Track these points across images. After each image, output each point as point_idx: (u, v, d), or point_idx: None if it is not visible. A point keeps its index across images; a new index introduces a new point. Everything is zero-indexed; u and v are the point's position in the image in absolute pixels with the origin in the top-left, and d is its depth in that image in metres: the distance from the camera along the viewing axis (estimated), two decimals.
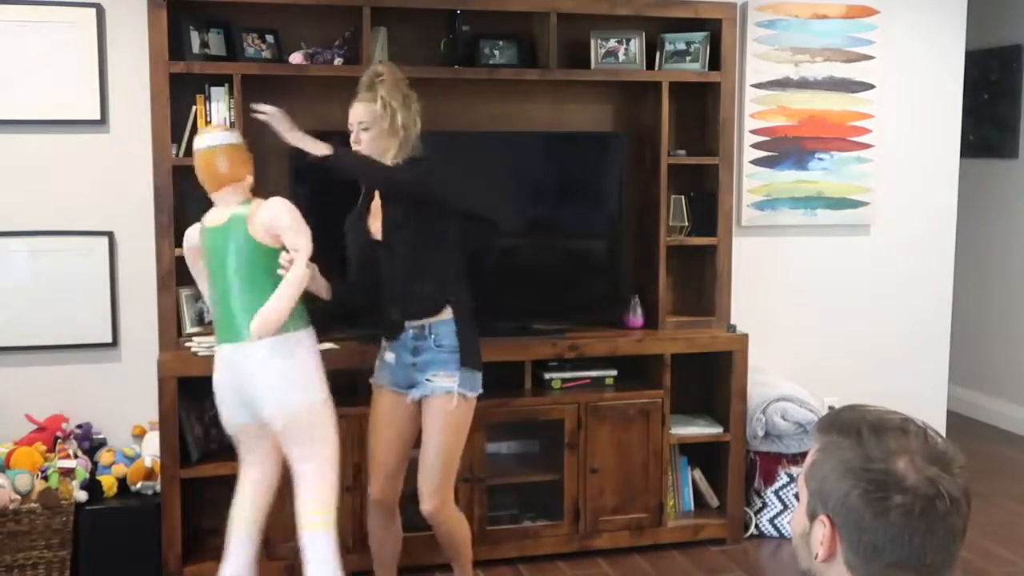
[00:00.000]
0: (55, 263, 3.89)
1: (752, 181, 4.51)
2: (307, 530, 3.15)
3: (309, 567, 3.13)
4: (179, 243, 3.80)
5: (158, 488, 3.75)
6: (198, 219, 3.86)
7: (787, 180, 4.55)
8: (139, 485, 3.79)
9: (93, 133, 3.90)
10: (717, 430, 4.17)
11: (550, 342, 4.00)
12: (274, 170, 3.99)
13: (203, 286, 3.35)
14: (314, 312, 3.30)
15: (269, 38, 3.91)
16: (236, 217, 3.15)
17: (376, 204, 3.32)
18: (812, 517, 1.35)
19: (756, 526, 4.28)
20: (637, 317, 4.26)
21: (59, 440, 3.76)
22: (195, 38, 3.79)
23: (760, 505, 4.30)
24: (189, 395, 3.75)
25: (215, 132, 3.27)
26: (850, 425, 1.34)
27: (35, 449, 3.69)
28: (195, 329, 3.89)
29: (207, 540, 3.95)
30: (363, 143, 3.23)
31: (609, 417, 3.99)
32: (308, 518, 3.15)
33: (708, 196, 4.29)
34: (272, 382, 3.10)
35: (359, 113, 3.24)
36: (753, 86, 4.48)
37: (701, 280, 4.37)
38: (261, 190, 3.97)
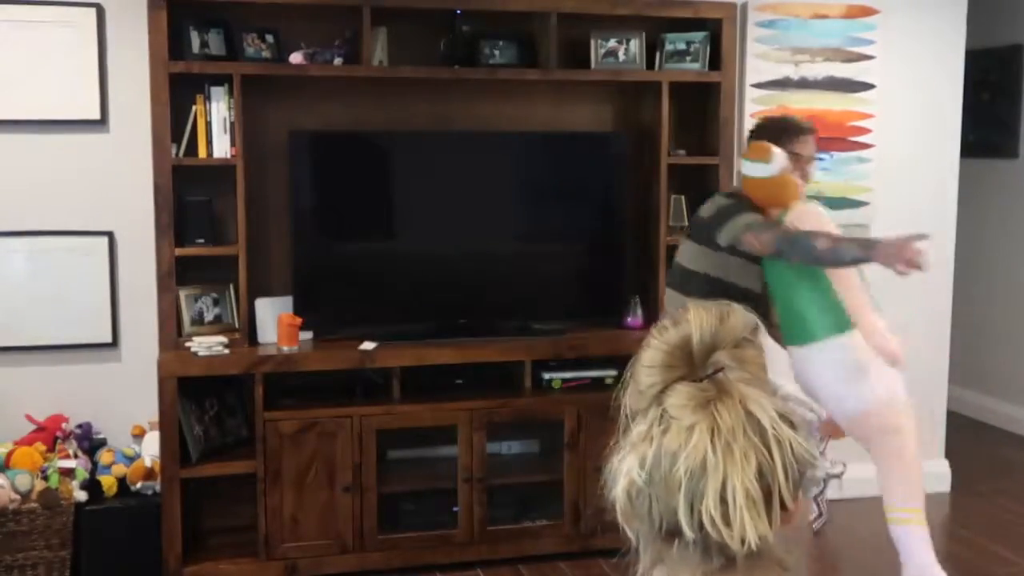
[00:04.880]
0: (55, 263, 3.89)
1: None
2: (891, 525, 3.23)
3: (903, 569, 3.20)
4: (179, 243, 3.81)
5: (158, 488, 3.75)
6: (199, 218, 3.87)
7: None
8: (139, 485, 3.79)
9: (93, 133, 3.90)
10: None
11: (550, 342, 4.00)
12: (274, 170, 4.00)
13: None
14: None
15: (269, 38, 3.91)
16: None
17: None
18: None
19: None
20: (637, 317, 4.26)
21: (59, 440, 3.76)
22: (195, 38, 3.79)
23: None
24: (189, 395, 3.75)
25: (760, 164, 3.35)
26: None
27: (35, 449, 3.69)
28: (195, 329, 3.90)
29: (207, 540, 3.96)
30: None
31: (609, 417, 3.98)
32: (889, 514, 3.23)
33: (708, 196, 4.27)
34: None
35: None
36: (753, 86, 4.47)
37: None
38: (260, 189, 3.99)
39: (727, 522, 1.02)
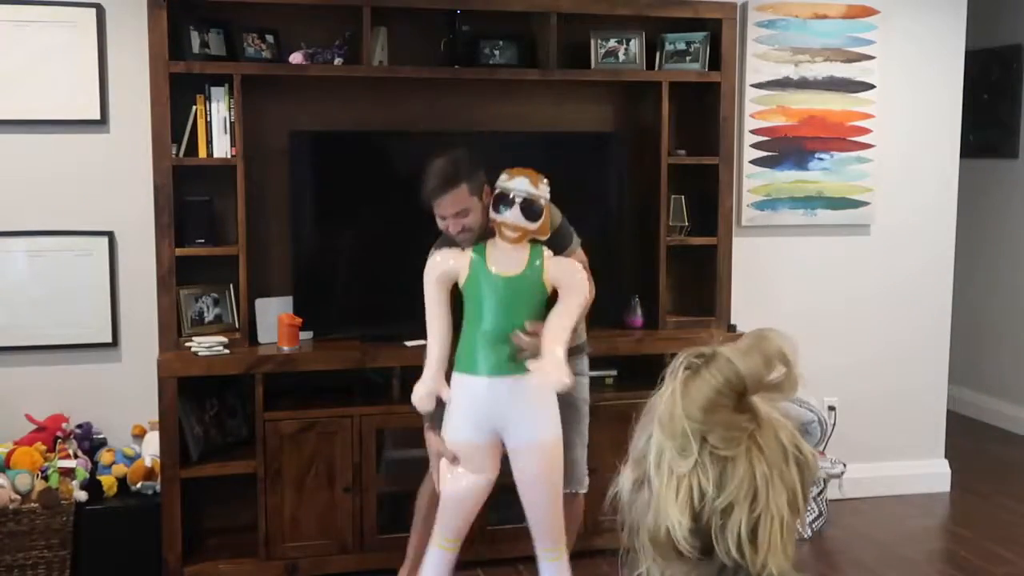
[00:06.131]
0: (55, 263, 3.89)
1: (752, 181, 4.51)
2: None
3: None
4: (179, 243, 3.80)
5: (158, 488, 3.75)
6: (199, 218, 3.86)
7: (787, 180, 4.55)
8: (139, 485, 3.79)
9: (93, 133, 3.90)
10: None
11: None
12: (274, 170, 3.99)
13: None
14: None
15: (269, 38, 3.91)
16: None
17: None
18: None
19: None
20: (637, 317, 4.26)
21: (59, 440, 3.76)
22: (195, 38, 3.79)
23: None
24: (189, 395, 3.75)
25: (544, 185, 3.07)
26: None
27: (35, 449, 3.69)
28: (195, 329, 3.90)
29: (207, 540, 3.96)
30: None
31: (609, 417, 3.98)
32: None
33: (708, 196, 4.28)
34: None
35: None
36: (753, 86, 4.47)
37: (701, 280, 4.37)
38: (260, 189, 3.98)
39: (756, 549, 1.07)
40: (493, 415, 3.08)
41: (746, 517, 1.07)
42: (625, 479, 1.18)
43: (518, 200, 3.01)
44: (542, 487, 3.13)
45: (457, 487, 3.12)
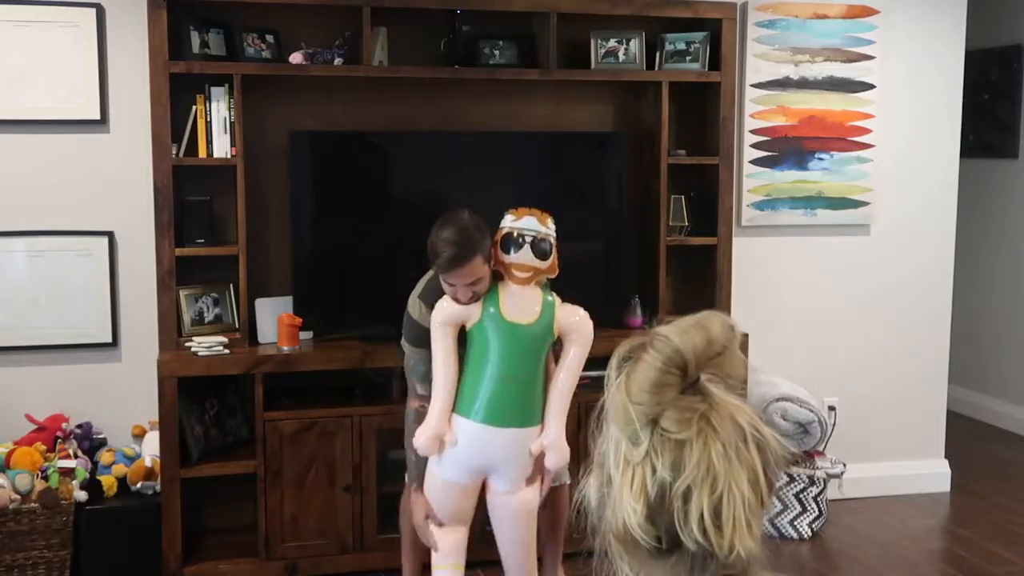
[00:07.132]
0: (55, 263, 3.89)
1: (752, 181, 4.51)
2: None
3: None
4: (179, 243, 3.80)
5: (158, 488, 3.75)
6: (199, 218, 3.86)
7: (787, 180, 4.55)
8: (139, 485, 3.79)
9: (93, 133, 3.90)
10: None
11: None
12: (274, 170, 3.99)
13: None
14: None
15: (269, 38, 3.91)
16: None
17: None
18: None
19: None
20: (637, 317, 4.26)
21: (59, 440, 3.76)
22: (195, 38, 3.79)
23: None
24: (189, 395, 3.75)
25: (551, 223, 3.04)
26: None
27: (35, 449, 3.69)
28: (195, 329, 3.90)
29: (207, 540, 3.96)
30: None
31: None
32: None
33: (708, 196, 4.29)
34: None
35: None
36: (753, 86, 4.48)
37: (701, 280, 4.37)
38: (260, 189, 3.99)
39: (720, 532, 1.04)
40: (484, 460, 3.10)
41: (707, 500, 1.04)
42: (591, 488, 1.17)
43: (528, 240, 2.99)
44: (519, 530, 3.19)
45: (446, 544, 3.15)
